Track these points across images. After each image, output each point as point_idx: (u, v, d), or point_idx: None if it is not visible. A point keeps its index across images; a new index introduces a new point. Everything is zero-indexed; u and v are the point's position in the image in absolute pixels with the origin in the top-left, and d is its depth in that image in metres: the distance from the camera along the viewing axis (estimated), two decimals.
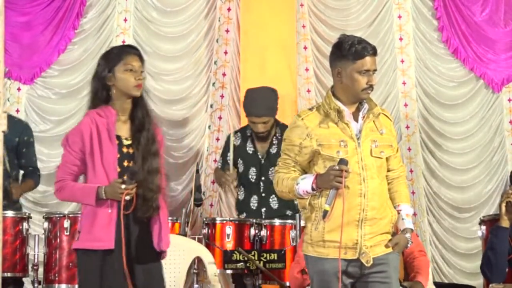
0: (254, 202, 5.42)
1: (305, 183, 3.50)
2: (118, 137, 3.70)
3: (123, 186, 3.59)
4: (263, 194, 5.39)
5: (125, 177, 3.63)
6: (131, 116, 3.76)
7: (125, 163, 3.70)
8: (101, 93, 3.72)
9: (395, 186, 3.65)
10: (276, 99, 5.52)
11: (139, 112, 3.75)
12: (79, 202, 3.71)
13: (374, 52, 3.55)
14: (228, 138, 5.66)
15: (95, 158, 3.65)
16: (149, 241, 3.70)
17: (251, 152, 5.47)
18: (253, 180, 5.44)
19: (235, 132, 5.65)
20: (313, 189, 3.49)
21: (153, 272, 3.75)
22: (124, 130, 3.73)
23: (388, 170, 3.64)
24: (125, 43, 6.23)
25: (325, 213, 3.46)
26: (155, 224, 3.72)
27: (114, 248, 3.59)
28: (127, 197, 3.60)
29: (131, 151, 3.72)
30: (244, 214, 5.40)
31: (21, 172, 5.33)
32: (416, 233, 3.93)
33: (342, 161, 3.44)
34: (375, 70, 3.56)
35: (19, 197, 5.22)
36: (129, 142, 3.73)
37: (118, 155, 3.67)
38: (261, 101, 5.41)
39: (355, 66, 3.52)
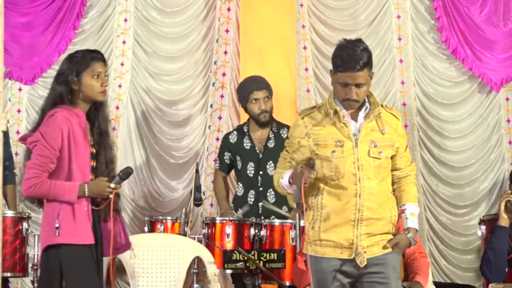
0: (251, 196, 5.42)
1: (286, 177, 3.58)
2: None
3: (112, 185, 3.70)
4: (261, 188, 5.39)
5: (92, 176, 3.74)
6: (88, 117, 3.84)
7: (92, 163, 3.79)
8: (66, 96, 3.77)
9: (402, 185, 3.67)
10: (269, 83, 5.55)
11: (101, 117, 3.87)
12: (55, 199, 3.70)
13: (360, 68, 3.48)
14: (224, 138, 5.65)
15: (72, 157, 3.70)
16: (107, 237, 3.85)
17: (248, 148, 5.47)
18: (251, 175, 5.43)
19: (231, 132, 5.64)
20: (290, 183, 3.55)
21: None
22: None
23: (395, 170, 3.65)
24: (122, 47, 6.29)
25: (291, 209, 3.54)
26: (118, 223, 3.88)
27: (93, 244, 3.73)
28: (110, 195, 3.72)
29: (94, 150, 3.81)
30: (240, 210, 5.39)
31: None
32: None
33: (309, 163, 3.47)
34: (359, 84, 3.50)
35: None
36: (92, 142, 3.82)
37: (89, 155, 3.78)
38: (258, 78, 5.51)
39: (335, 77, 3.55)
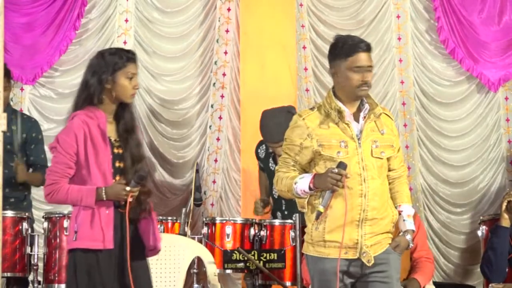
0: (279, 217, 5.31)
1: (303, 183, 3.51)
2: (109, 138, 3.71)
3: (128, 188, 3.60)
4: (286, 212, 5.28)
5: (118, 178, 3.65)
6: (116, 117, 3.77)
7: (117, 164, 3.71)
8: (97, 95, 3.69)
9: (396, 186, 3.65)
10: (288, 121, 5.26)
11: (127, 115, 3.78)
12: (75, 204, 3.67)
13: (367, 48, 3.54)
14: (256, 148, 5.46)
15: (90, 160, 3.64)
16: (140, 240, 3.74)
17: (272, 169, 5.24)
18: (276, 197, 5.33)
19: (261, 143, 5.41)
20: (310, 188, 3.49)
21: (144, 269, 3.79)
22: (111, 131, 3.74)
23: (389, 170, 3.63)
24: (123, 47, 6.25)
25: (318, 214, 3.47)
26: (148, 224, 3.76)
27: (113, 248, 3.61)
28: (130, 199, 3.61)
29: (120, 151, 3.73)
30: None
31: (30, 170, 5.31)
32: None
33: (341, 165, 3.43)
34: (369, 66, 3.53)
35: (24, 180, 5.08)
36: (118, 143, 3.74)
37: (111, 156, 3.69)
38: (275, 126, 4.97)
39: (347, 64, 3.52)
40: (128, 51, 3.82)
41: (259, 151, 5.44)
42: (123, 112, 3.77)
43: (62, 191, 3.64)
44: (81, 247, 3.62)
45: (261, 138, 5.31)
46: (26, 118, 5.35)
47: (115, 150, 3.72)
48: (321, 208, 3.46)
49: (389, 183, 3.65)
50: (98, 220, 3.61)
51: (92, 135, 3.65)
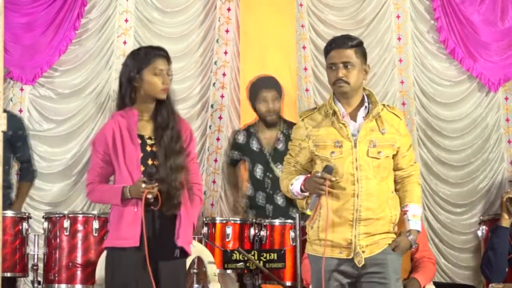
0: (260, 198, 5.41)
1: (297, 184, 3.55)
2: (141, 137, 3.75)
3: (143, 185, 3.62)
4: (269, 191, 5.37)
5: (142, 177, 3.69)
6: (154, 115, 3.80)
7: (149, 162, 3.74)
8: (129, 95, 3.76)
9: (405, 186, 3.66)
10: (280, 84, 5.55)
11: (163, 112, 3.80)
12: (107, 203, 3.81)
13: (347, 46, 3.55)
14: (233, 137, 5.62)
15: (119, 159, 3.70)
16: (173, 238, 3.74)
17: (257, 150, 5.44)
18: (259, 177, 5.42)
19: (239, 131, 5.61)
20: (302, 190, 3.53)
21: (176, 268, 3.80)
22: (147, 129, 3.78)
23: (397, 169, 3.64)
24: (123, 47, 6.27)
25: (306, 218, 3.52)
26: (177, 220, 3.75)
27: (139, 246, 3.63)
28: (149, 196, 3.64)
29: (154, 149, 3.76)
30: (253, 211, 5.39)
31: (15, 167, 5.40)
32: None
33: (327, 168, 3.46)
34: (345, 62, 3.53)
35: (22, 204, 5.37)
36: (153, 141, 3.77)
37: (142, 154, 3.72)
38: (269, 78, 5.55)
39: (326, 63, 3.60)
40: (157, 48, 3.87)
41: (238, 137, 5.53)
42: (160, 110, 3.80)
43: (96, 190, 3.77)
44: (109, 245, 3.72)
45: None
46: (10, 115, 5.39)
47: (148, 148, 3.76)
48: (308, 212, 3.49)
49: (398, 183, 3.65)
50: (126, 218, 3.67)
51: (122, 134, 3.72)
